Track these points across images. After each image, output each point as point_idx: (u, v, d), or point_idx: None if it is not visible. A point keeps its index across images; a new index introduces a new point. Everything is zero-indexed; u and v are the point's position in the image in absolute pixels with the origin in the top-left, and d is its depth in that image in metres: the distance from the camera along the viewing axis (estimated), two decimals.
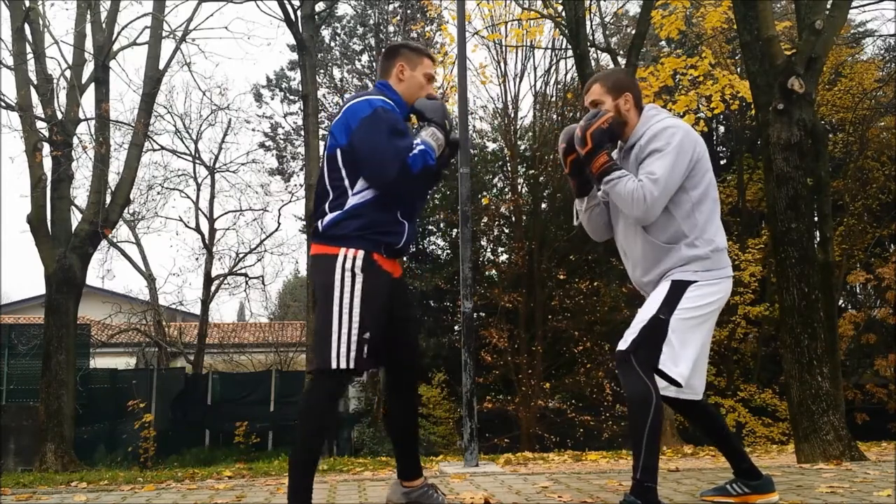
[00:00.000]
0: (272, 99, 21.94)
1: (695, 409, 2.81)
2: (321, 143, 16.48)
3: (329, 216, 2.58)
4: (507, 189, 17.09)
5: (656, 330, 2.61)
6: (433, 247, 18.61)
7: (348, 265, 2.50)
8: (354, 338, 2.47)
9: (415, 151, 2.54)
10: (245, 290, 24.26)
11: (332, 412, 2.64)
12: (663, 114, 2.83)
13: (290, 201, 25.17)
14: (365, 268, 2.51)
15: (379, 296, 2.54)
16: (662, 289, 2.68)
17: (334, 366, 2.46)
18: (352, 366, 2.47)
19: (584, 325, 15.56)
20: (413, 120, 2.82)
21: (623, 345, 2.63)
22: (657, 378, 2.60)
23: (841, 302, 17.30)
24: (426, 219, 17.25)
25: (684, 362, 2.61)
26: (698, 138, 2.74)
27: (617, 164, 2.74)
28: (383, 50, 2.83)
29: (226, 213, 21.33)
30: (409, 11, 18.85)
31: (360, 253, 2.52)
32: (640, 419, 2.52)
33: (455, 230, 16.16)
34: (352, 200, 2.56)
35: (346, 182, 2.57)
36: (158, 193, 20.07)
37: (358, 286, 2.49)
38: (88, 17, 11.58)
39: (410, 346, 2.80)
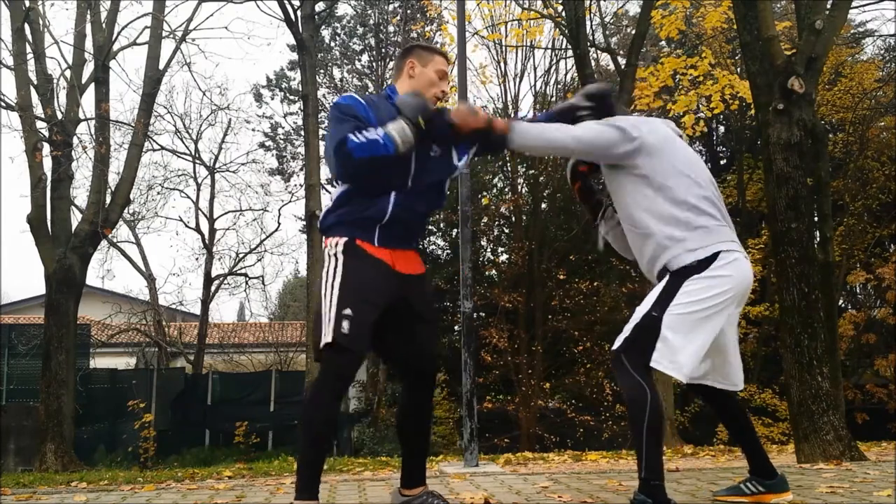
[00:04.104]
0: (272, 99, 21.96)
1: (720, 398, 2.85)
2: (321, 143, 16.48)
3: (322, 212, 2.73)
4: (507, 189, 17.08)
5: (649, 328, 2.57)
6: (433, 247, 18.60)
7: (332, 251, 2.58)
8: (334, 313, 2.46)
9: (360, 139, 2.47)
10: (245, 290, 24.35)
11: (332, 398, 2.52)
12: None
13: (290, 201, 25.31)
14: (346, 251, 2.56)
15: (361, 275, 2.52)
16: (661, 284, 2.66)
17: (322, 344, 2.46)
18: (329, 339, 2.42)
19: (584, 325, 15.54)
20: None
21: (616, 345, 2.62)
22: (655, 371, 2.58)
23: (841, 302, 17.28)
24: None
25: (685, 356, 2.53)
26: (660, 127, 2.76)
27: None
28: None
29: (226, 213, 21.34)
30: (409, 11, 18.84)
31: (343, 240, 2.58)
32: (637, 419, 2.52)
33: (455, 230, 16.13)
34: (334, 193, 2.68)
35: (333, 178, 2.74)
36: (158, 193, 20.10)
37: (340, 268, 2.54)
38: (88, 17, 11.58)
39: (423, 347, 2.73)
